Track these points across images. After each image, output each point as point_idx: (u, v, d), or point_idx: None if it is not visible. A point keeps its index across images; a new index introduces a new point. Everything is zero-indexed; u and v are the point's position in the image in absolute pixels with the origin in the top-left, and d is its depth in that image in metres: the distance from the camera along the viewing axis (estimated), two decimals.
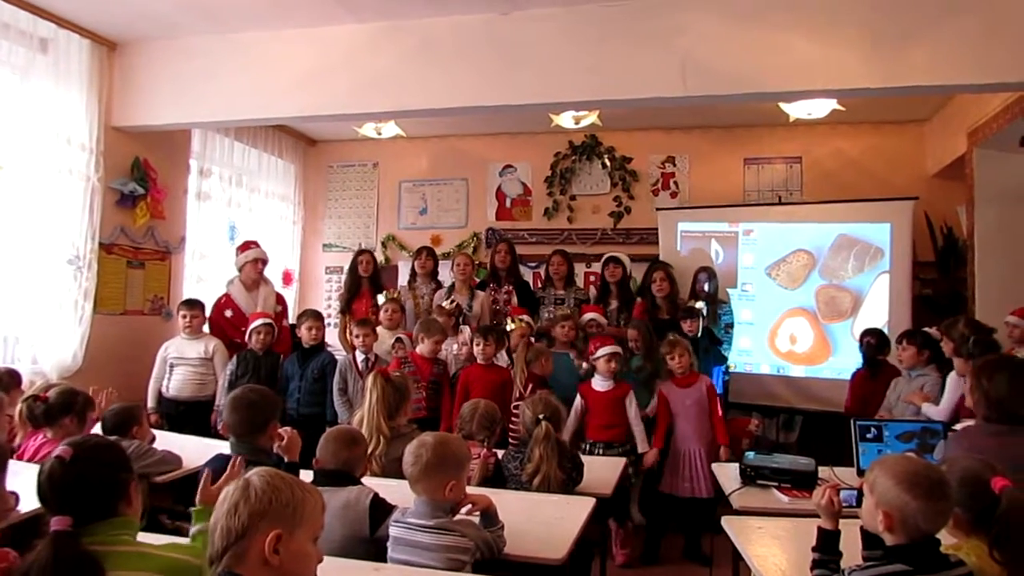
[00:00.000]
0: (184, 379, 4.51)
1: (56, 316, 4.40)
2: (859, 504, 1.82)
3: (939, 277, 5.78)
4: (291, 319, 5.38)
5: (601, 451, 3.92)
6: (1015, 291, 4.77)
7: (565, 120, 5.31)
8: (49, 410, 2.81)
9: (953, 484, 1.66)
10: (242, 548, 1.27)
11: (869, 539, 1.77)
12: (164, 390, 4.54)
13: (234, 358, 4.53)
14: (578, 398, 4.07)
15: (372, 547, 2.09)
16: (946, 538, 1.70)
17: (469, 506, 2.12)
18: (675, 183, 6.55)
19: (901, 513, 1.60)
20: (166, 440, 3.43)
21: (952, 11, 3.59)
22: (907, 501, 1.59)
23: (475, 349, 4.21)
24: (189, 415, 4.43)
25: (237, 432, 2.32)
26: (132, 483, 1.53)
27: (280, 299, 5.24)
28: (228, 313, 4.91)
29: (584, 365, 4.40)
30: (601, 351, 4.04)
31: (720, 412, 4.14)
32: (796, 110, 4.85)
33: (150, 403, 4.54)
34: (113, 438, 2.83)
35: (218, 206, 5.96)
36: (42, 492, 1.46)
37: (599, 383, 4.06)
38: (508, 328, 4.56)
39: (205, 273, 5.75)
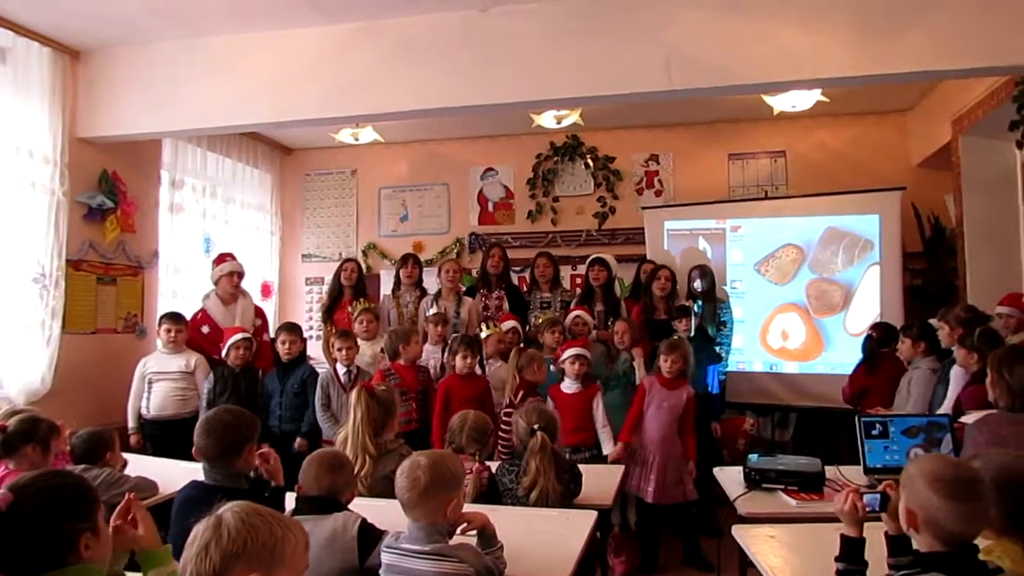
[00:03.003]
0: (164, 395, 4.33)
1: (22, 337, 4.19)
2: (883, 509, 1.73)
3: (928, 267, 5.74)
4: (272, 332, 5.19)
5: (568, 455, 3.68)
6: (1006, 279, 4.74)
7: (547, 120, 5.17)
8: (8, 440, 2.58)
9: (987, 482, 1.56)
10: None
11: (895, 545, 1.68)
12: (144, 410, 4.35)
13: (210, 375, 4.35)
14: (548, 401, 3.93)
15: None
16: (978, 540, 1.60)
17: (464, 525, 1.98)
18: (659, 181, 6.45)
19: (925, 511, 1.53)
20: (142, 464, 3.26)
21: None
22: (930, 497, 1.51)
23: (458, 361, 4.05)
24: (174, 435, 4.14)
25: (209, 456, 2.15)
26: (84, 532, 1.34)
27: (260, 312, 5.07)
28: (205, 329, 4.71)
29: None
30: (566, 353, 3.95)
31: (693, 426, 3.94)
32: (780, 103, 4.73)
33: (130, 423, 4.36)
34: (81, 467, 2.68)
35: (192, 218, 5.77)
36: None
37: (568, 386, 3.96)
38: (482, 335, 4.42)
39: (180, 288, 5.56)
